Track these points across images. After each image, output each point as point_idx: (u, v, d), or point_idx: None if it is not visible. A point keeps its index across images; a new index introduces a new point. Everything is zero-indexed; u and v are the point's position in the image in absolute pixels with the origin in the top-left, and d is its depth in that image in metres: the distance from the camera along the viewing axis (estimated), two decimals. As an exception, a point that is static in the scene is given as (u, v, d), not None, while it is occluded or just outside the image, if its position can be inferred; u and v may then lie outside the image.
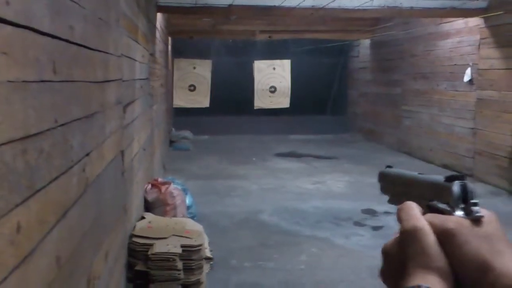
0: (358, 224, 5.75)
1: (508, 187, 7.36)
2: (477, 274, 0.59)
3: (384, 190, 0.83)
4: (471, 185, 0.65)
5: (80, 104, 2.02)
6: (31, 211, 1.39)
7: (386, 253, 0.67)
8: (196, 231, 4.07)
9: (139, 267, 3.64)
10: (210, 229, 5.19)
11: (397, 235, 0.66)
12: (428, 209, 0.68)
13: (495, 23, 7.64)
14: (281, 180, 8.27)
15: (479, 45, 8.19)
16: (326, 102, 16.71)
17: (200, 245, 3.85)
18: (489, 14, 7.63)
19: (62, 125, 1.73)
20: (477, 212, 0.62)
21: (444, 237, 0.62)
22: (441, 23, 9.35)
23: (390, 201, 0.81)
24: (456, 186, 0.65)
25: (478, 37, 8.21)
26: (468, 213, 0.63)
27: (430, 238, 0.63)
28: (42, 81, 1.50)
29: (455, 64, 8.96)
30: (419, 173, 0.75)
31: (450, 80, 9.14)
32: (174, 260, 3.60)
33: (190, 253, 3.73)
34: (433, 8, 7.69)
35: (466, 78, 8.47)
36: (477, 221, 0.62)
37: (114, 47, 2.91)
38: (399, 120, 11.51)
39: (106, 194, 2.71)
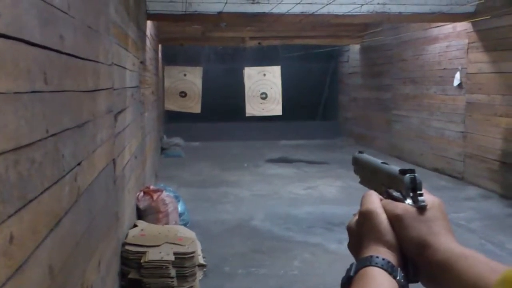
0: (350, 228, 5.76)
1: (499, 190, 7.42)
2: (417, 251, 0.73)
3: (356, 172, 0.97)
4: (419, 178, 0.77)
5: (71, 113, 2.03)
6: (23, 222, 1.39)
7: (349, 230, 0.84)
8: (189, 238, 4.06)
9: (132, 275, 3.63)
10: (202, 236, 5.19)
11: (357, 216, 0.82)
12: (387, 194, 0.82)
13: (483, 27, 7.72)
14: (273, 186, 8.28)
15: (467, 49, 8.26)
16: (317, 107, 16.77)
17: (193, 252, 3.85)
18: (477, 19, 7.71)
19: (54, 135, 1.73)
20: (422, 202, 0.76)
21: (394, 220, 0.76)
22: (429, 28, 9.43)
23: (361, 183, 0.95)
24: (407, 178, 0.77)
25: (466, 41, 8.29)
26: (415, 202, 0.76)
27: (381, 217, 0.77)
28: (34, 92, 1.50)
29: (444, 68, 9.03)
30: (382, 162, 0.87)
31: (439, 84, 9.21)
32: (167, 267, 3.59)
33: (183, 260, 3.73)
34: (422, 13, 7.76)
35: (456, 82, 8.54)
36: (421, 209, 0.75)
37: (104, 56, 2.91)
38: (389, 124, 11.57)
39: (98, 203, 2.71)
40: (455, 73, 8.58)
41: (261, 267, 4.65)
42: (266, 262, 4.78)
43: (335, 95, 15.83)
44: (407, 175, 0.78)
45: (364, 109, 13.30)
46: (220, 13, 7.33)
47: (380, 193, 0.83)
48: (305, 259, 4.89)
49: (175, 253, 3.71)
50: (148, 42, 7.06)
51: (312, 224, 6.03)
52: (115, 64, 3.40)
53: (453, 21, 8.21)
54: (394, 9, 7.65)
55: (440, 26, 8.96)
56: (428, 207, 0.75)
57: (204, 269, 4.37)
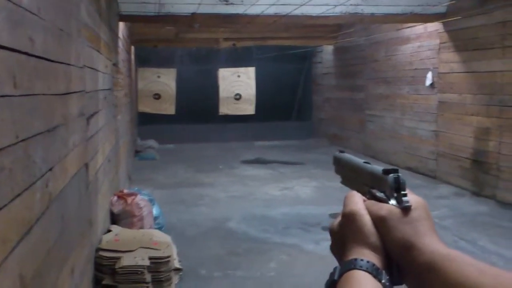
0: (327, 229, 5.77)
1: (471, 187, 7.53)
2: (402, 252, 0.71)
3: (337, 172, 0.95)
4: (403, 178, 0.75)
5: (42, 118, 1.98)
6: (-8, 231, 1.35)
7: (332, 232, 0.80)
8: (164, 242, 4.02)
9: (107, 281, 3.57)
10: (178, 239, 5.15)
11: (340, 217, 0.79)
12: (370, 194, 0.80)
13: (454, 28, 7.84)
14: (248, 187, 8.26)
15: (439, 49, 8.38)
16: (291, 108, 16.81)
17: (169, 256, 3.81)
18: (448, 19, 7.82)
19: (24, 140, 1.68)
20: (407, 202, 0.74)
21: (378, 222, 0.74)
22: (401, 29, 9.53)
23: (342, 183, 0.93)
24: (391, 178, 0.75)
25: (437, 41, 8.40)
26: (399, 202, 0.74)
27: (365, 219, 0.75)
28: (2, 96, 1.46)
29: (416, 68, 9.14)
30: (364, 162, 0.85)
31: (411, 84, 9.32)
32: (142, 273, 3.55)
33: (158, 265, 3.69)
34: (394, 14, 7.83)
35: (428, 82, 8.65)
36: (405, 209, 0.73)
37: (76, 58, 2.86)
38: (363, 124, 11.66)
39: (71, 208, 2.66)
40: (427, 73, 8.69)
41: (238, 270, 4.63)
42: (243, 264, 4.76)
43: (309, 95, 15.90)
44: (391, 175, 0.75)
45: (338, 110, 13.39)
46: (193, 14, 7.29)
47: (362, 194, 0.81)
48: (281, 260, 4.88)
49: (150, 258, 3.67)
50: (120, 44, 6.97)
51: (288, 225, 6.03)
52: (87, 67, 3.35)
53: (425, 21, 8.32)
54: (367, 10, 7.71)
55: (412, 26, 9.07)
56: (412, 207, 0.74)
57: (180, 273, 4.33)
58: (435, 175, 8.55)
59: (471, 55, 7.50)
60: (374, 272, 0.69)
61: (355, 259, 0.71)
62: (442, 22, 8.06)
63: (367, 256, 0.72)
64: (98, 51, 4.14)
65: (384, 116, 10.57)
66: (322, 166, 9.98)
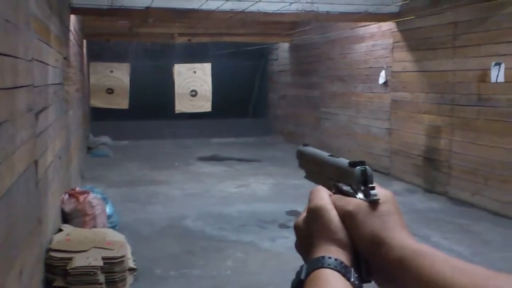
0: (283, 226, 5.79)
1: (423, 184, 7.70)
2: (372, 248, 0.68)
3: (301, 166, 0.90)
4: (370, 170, 0.72)
5: (-14, 113, 1.87)
6: None
7: (297, 228, 0.76)
8: (118, 242, 3.92)
9: (58, 283, 3.45)
10: (132, 238, 5.04)
11: (305, 213, 0.75)
12: (336, 189, 0.76)
13: (407, 27, 7.98)
14: (204, 184, 8.19)
15: (392, 48, 8.52)
16: (247, 105, 16.80)
17: (123, 256, 3.72)
18: (401, 19, 7.95)
19: (-34, 136, 1.58)
20: (374, 195, 0.71)
21: (346, 217, 0.71)
22: (356, 27, 9.64)
23: (306, 177, 0.88)
24: (357, 171, 0.72)
25: (391, 40, 8.54)
26: (367, 196, 0.71)
27: (331, 214, 0.72)
28: None
29: (370, 67, 9.27)
30: (329, 155, 0.81)
31: (366, 82, 9.44)
32: (95, 273, 3.44)
33: (112, 265, 3.59)
34: (348, 13, 7.91)
35: (381, 80, 8.79)
36: (373, 203, 0.70)
37: (24, 51, 2.73)
38: (318, 122, 11.75)
39: (18, 208, 2.54)
40: (380, 71, 8.82)
41: (194, 268, 4.57)
42: (199, 263, 4.70)
43: (265, 93, 15.92)
44: (358, 167, 0.72)
45: (294, 107, 13.45)
46: (148, 8, 7.15)
47: (328, 188, 0.77)
48: (238, 258, 4.84)
49: (103, 258, 3.56)
50: (72, 37, 6.77)
51: (245, 223, 6.00)
52: (36, 60, 3.22)
53: (378, 21, 8.44)
54: (322, 8, 7.75)
55: (366, 25, 9.19)
56: (381, 201, 0.70)
57: (135, 273, 4.23)
58: (388, 172, 8.69)
59: (423, 54, 7.66)
60: (343, 271, 0.66)
61: (323, 257, 0.68)
62: (395, 21, 8.19)
63: (334, 253, 0.68)
64: (48, 44, 3.99)
65: (339, 114, 10.68)
66: (278, 163, 10.01)
